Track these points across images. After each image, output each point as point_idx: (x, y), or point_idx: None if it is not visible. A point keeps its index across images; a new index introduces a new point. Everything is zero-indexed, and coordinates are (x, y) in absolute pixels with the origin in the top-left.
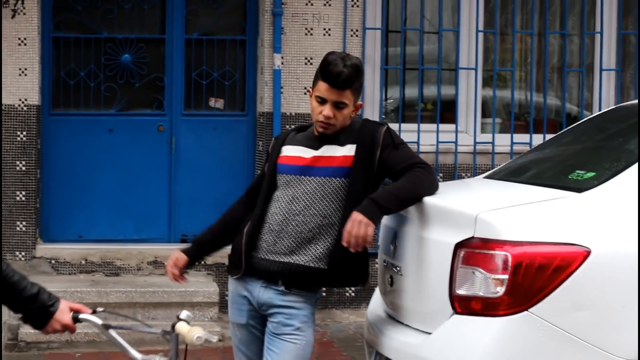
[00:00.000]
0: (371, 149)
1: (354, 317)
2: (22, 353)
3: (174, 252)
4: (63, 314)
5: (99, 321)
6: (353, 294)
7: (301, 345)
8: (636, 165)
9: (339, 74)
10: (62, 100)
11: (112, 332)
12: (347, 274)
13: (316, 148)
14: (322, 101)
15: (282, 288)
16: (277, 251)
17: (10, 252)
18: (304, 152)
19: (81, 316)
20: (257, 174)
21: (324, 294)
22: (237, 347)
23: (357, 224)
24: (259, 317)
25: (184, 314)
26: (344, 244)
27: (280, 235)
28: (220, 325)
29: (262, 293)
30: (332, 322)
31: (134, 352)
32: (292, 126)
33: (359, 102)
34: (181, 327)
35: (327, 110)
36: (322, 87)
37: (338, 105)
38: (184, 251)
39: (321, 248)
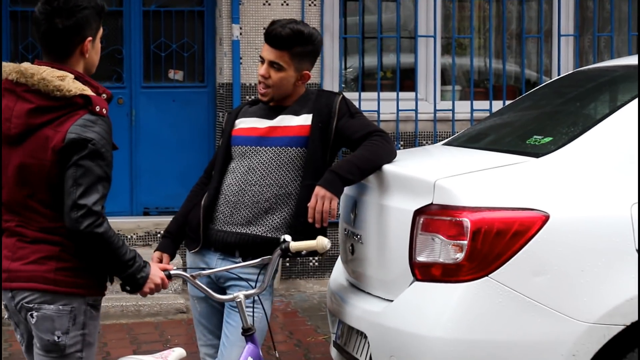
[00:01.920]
0: (327, 118)
1: (317, 287)
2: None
3: (153, 257)
4: (156, 274)
5: (187, 274)
6: (317, 264)
7: (258, 318)
8: (593, 129)
9: (273, 32)
10: None
11: (198, 281)
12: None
13: (271, 118)
14: (262, 62)
15: (239, 260)
16: (233, 222)
17: None
18: (259, 123)
19: (172, 272)
20: (216, 151)
21: (287, 264)
22: (198, 320)
23: (321, 199)
24: (218, 289)
25: (287, 237)
26: (310, 220)
27: (237, 206)
28: (184, 298)
29: (220, 265)
30: (296, 291)
31: (218, 296)
32: (252, 97)
33: (306, 72)
34: (295, 244)
35: (262, 69)
36: (264, 48)
37: (274, 65)
38: (161, 249)
39: (278, 218)
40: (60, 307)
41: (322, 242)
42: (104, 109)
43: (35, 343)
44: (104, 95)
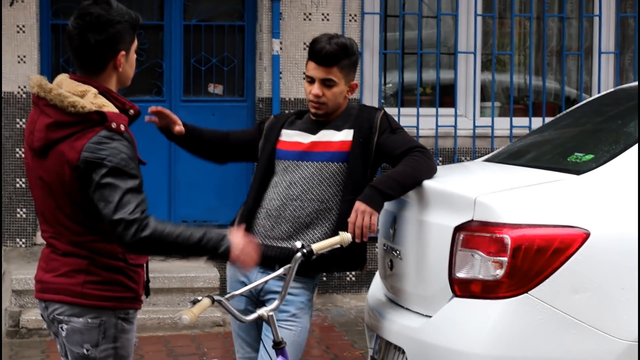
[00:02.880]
0: (369, 134)
1: (354, 302)
2: (23, 340)
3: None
4: (238, 239)
5: (222, 298)
6: (354, 279)
7: (296, 332)
8: (635, 147)
9: (322, 50)
10: None
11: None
12: (345, 259)
13: (313, 133)
14: (311, 80)
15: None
16: (274, 236)
17: (11, 239)
18: (302, 137)
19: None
20: (245, 129)
21: (324, 278)
22: (237, 333)
23: (361, 214)
24: (257, 303)
25: (298, 243)
26: (349, 234)
27: (278, 220)
28: (221, 311)
29: (259, 279)
30: (333, 306)
31: (244, 317)
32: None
33: (353, 82)
34: (318, 244)
35: (315, 88)
36: (310, 67)
37: (326, 83)
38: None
39: (319, 233)
40: (89, 320)
41: (345, 236)
42: (121, 125)
43: (67, 354)
44: (131, 111)
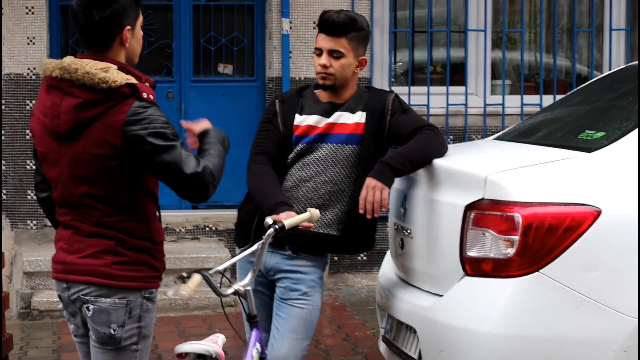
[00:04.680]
0: (381, 116)
1: (366, 281)
2: (35, 321)
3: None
4: None
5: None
6: (365, 258)
7: (308, 310)
8: None
9: (330, 19)
10: None
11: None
12: (355, 240)
13: (328, 115)
14: (320, 53)
15: (289, 252)
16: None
17: (22, 220)
18: (317, 121)
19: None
20: (266, 135)
21: (335, 258)
22: None
23: (372, 190)
24: (267, 282)
25: (269, 219)
26: (361, 211)
27: (290, 201)
28: None
29: (270, 258)
30: (344, 286)
31: (221, 293)
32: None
33: (362, 57)
34: (289, 220)
35: (323, 59)
36: (319, 38)
37: (333, 54)
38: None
39: (330, 214)
40: (117, 300)
41: (314, 212)
42: (151, 95)
43: (90, 335)
44: (146, 83)
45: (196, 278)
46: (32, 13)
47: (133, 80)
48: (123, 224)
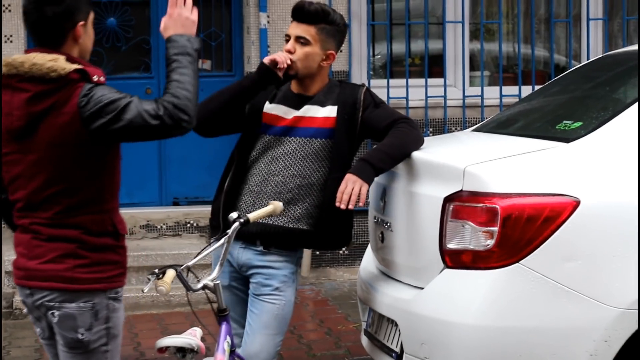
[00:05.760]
0: (352, 110)
1: (348, 275)
2: (17, 321)
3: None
4: None
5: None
6: (347, 252)
7: (280, 305)
8: (623, 113)
9: (300, 5)
10: None
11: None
12: (328, 236)
13: (297, 108)
14: (288, 39)
15: (260, 248)
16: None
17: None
18: (285, 112)
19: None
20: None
21: (317, 252)
22: None
23: (352, 183)
24: (241, 278)
25: (234, 214)
26: (337, 203)
27: (259, 196)
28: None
29: (241, 254)
30: (326, 280)
31: (192, 287)
32: None
33: (331, 52)
34: (253, 214)
35: (289, 44)
36: (290, 26)
37: (300, 40)
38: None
39: (300, 209)
40: (82, 304)
41: (276, 204)
42: (102, 78)
43: (58, 339)
44: (96, 77)
45: (171, 273)
46: (9, 11)
47: (81, 66)
48: (87, 217)
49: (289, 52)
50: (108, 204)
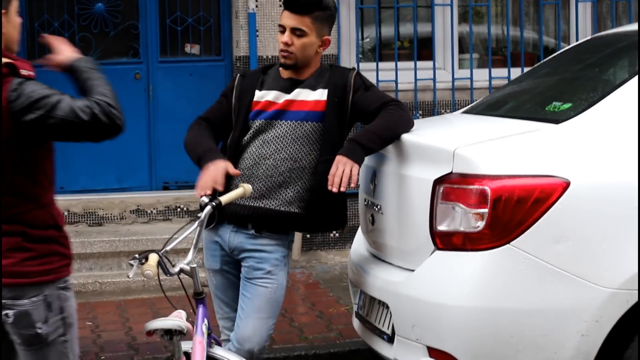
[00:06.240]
0: (343, 93)
1: (339, 258)
2: None
3: (215, 165)
4: None
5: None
6: (337, 235)
7: (272, 289)
8: (612, 95)
9: None
10: (37, 52)
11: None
12: (320, 218)
13: (288, 92)
14: (283, 30)
15: (252, 232)
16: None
17: None
18: (276, 97)
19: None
20: (217, 107)
21: (308, 235)
22: (214, 293)
23: (342, 165)
24: (233, 262)
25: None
26: (329, 186)
27: (251, 179)
28: (205, 272)
29: (233, 237)
30: (317, 263)
31: (169, 272)
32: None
33: (326, 37)
34: (225, 197)
35: (285, 36)
36: (283, 16)
37: (296, 32)
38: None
39: (292, 192)
40: (34, 298)
41: (246, 187)
42: (31, 72)
43: (14, 340)
44: (25, 72)
45: (154, 257)
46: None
47: (10, 61)
48: (30, 214)
49: (286, 44)
50: (44, 198)
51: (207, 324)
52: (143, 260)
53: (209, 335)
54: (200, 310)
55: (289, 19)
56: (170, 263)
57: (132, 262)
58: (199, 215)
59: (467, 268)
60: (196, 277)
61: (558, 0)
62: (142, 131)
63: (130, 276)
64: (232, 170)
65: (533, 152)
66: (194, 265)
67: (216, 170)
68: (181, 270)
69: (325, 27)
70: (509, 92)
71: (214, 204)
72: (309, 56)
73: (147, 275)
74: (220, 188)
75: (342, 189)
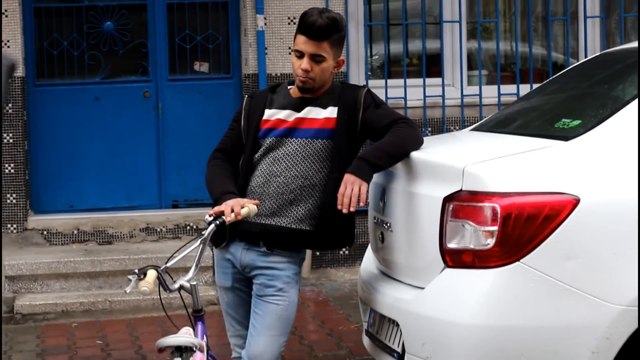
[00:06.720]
0: (353, 111)
1: (348, 275)
2: (18, 325)
3: (231, 203)
4: None
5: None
6: (347, 252)
7: (284, 306)
8: (622, 111)
9: (314, 23)
10: (47, 70)
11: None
12: (330, 236)
13: (298, 110)
14: (300, 55)
15: (263, 249)
16: (258, 213)
17: (2, 224)
18: (287, 115)
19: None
20: (230, 133)
21: (317, 253)
22: (226, 310)
23: (350, 185)
24: (244, 279)
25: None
26: (339, 206)
27: (262, 197)
28: (215, 289)
29: (245, 255)
30: (327, 280)
31: (167, 288)
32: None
33: (341, 58)
34: (250, 205)
35: (305, 63)
36: (300, 40)
37: (315, 58)
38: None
39: (302, 209)
40: None
41: (251, 207)
42: None
43: None
44: None
45: (152, 273)
46: (6, 16)
47: None
48: None
49: (306, 70)
50: None
51: (206, 341)
52: (142, 276)
53: (208, 351)
54: (200, 327)
55: (308, 45)
56: (172, 279)
57: (130, 277)
58: (202, 233)
59: (477, 286)
60: (196, 294)
61: (566, 16)
62: (152, 149)
63: (127, 291)
64: (250, 202)
65: (543, 169)
66: (194, 283)
67: (235, 202)
68: (181, 287)
69: (340, 49)
70: (518, 108)
71: (217, 222)
72: (327, 79)
73: (143, 292)
74: (237, 217)
75: (352, 209)
